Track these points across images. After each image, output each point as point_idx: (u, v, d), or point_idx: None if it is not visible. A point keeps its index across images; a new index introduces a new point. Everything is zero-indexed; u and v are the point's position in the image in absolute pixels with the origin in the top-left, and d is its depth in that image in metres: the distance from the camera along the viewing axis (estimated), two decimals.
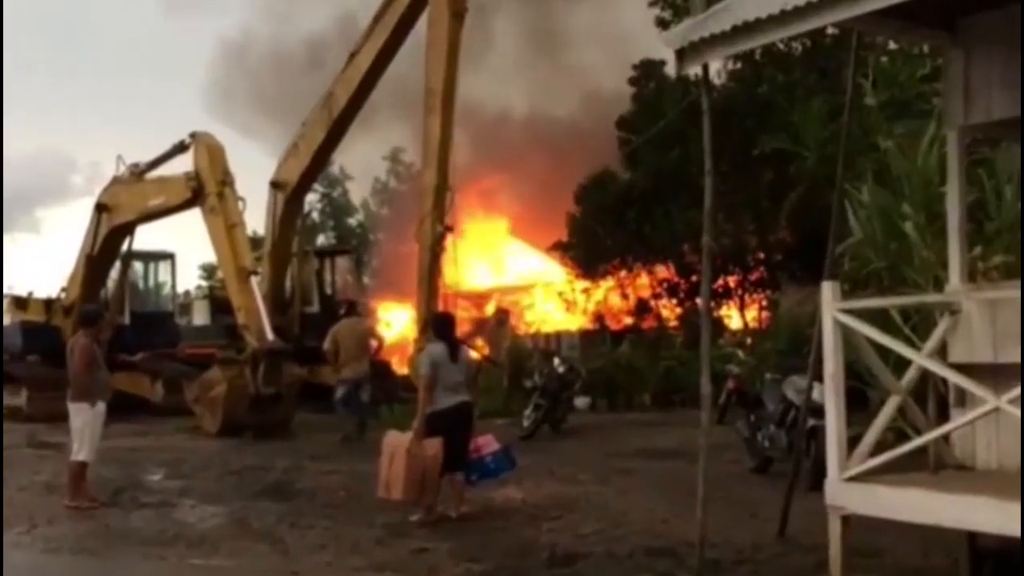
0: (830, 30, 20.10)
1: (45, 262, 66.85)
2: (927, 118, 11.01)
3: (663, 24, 26.10)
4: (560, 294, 31.26)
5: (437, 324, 10.71)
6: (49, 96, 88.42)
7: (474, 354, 22.21)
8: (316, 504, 11.04)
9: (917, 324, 9.32)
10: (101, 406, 11.35)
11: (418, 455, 9.50)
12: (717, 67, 26.28)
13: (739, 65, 26.69)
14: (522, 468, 11.57)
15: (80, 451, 11.16)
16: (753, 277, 27.20)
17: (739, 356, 17.91)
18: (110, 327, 22.39)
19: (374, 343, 17.72)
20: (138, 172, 22.41)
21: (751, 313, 27.15)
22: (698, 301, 23.96)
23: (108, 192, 23.06)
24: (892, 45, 15.49)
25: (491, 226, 41.43)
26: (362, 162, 49.52)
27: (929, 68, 12.81)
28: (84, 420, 11.21)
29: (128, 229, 23.12)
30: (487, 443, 10.60)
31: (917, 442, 6.59)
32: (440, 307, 16.54)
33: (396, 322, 35.66)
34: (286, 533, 9.52)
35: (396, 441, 9.79)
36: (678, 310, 27.64)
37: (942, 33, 7.14)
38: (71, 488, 11.21)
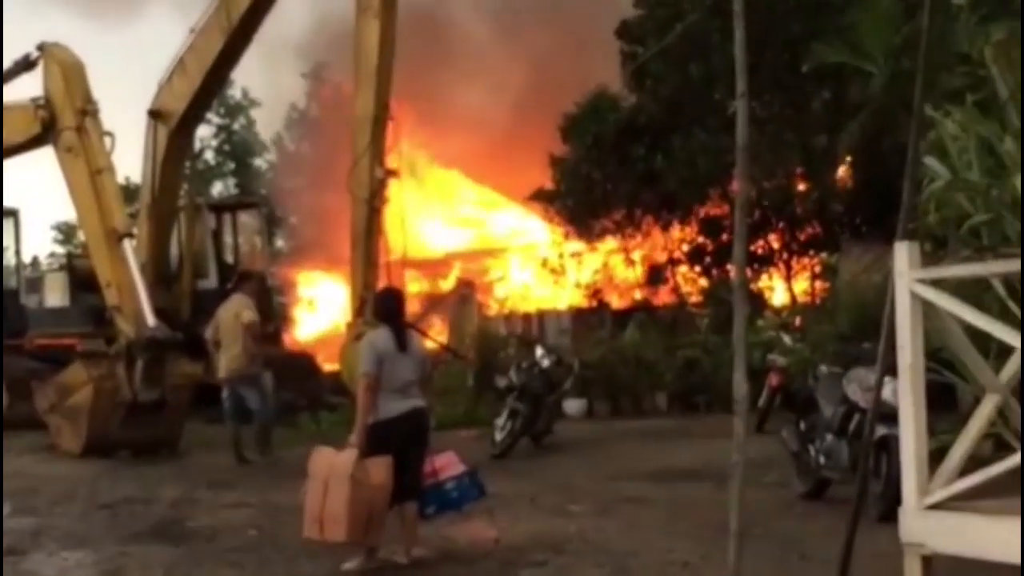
0: None
1: None
2: None
3: None
4: (544, 261, 31.16)
5: (380, 303, 10.72)
6: None
7: (429, 343, 22.42)
8: (217, 548, 11.05)
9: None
10: None
11: (364, 482, 9.51)
12: None
13: None
14: (494, 496, 11.61)
15: None
16: (803, 235, 27.26)
17: (785, 342, 18.10)
18: None
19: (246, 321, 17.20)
20: None
21: (801, 284, 27.25)
22: (730, 268, 24.14)
23: None
24: None
25: (449, 170, 41.34)
26: (273, 83, 49.25)
27: None
28: None
29: None
30: (448, 464, 10.62)
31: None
32: (383, 280, 16.54)
33: (323, 300, 35.63)
34: None
35: (330, 462, 9.76)
36: (702, 281, 27.67)
37: None
38: None
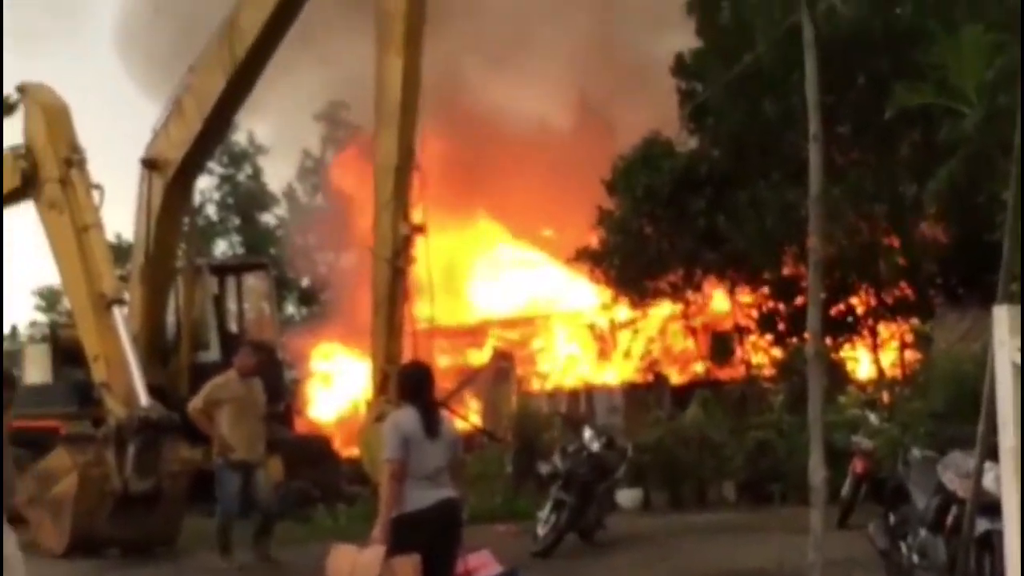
0: None
1: None
2: None
3: None
4: (591, 327, 30.99)
5: (405, 380, 10.71)
6: None
7: (461, 424, 22.46)
8: None
9: None
10: None
11: None
12: None
13: None
14: None
15: None
16: (891, 298, 27.19)
17: (871, 422, 18.00)
18: None
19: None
20: None
21: (889, 354, 27.15)
22: (807, 337, 23.99)
23: None
24: None
25: (482, 225, 41.49)
26: (284, 125, 49.55)
27: None
28: None
29: None
30: (483, 564, 10.64)
31: None
32: (408, 352, 16.59)
33: (340, 375, 35.69)
34: None
35: (353, 561, 9.74)
36: (775, 351, 27.59)
37: None
38: None
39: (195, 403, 16.47)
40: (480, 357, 33.80)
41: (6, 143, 20.58)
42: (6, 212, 21.71)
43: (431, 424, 9.88)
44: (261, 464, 16.70)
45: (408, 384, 10.49)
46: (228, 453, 16.19)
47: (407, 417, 9.93)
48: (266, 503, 16.65)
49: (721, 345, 28.72)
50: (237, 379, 16.59)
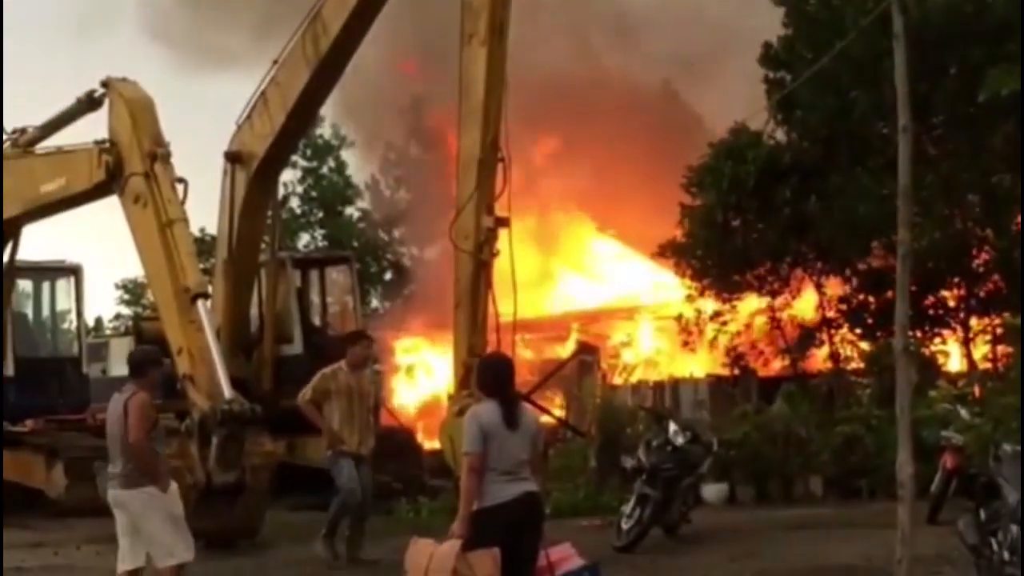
0: None
1: None
2: None
3: None
4: (678, 318, 30.70)
5: (486, 372, 10.68)
6: None
7: (544, 417, 22.45)
8: None
9: None
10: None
11: None
12: None
13: None
14: None
15: (166, 553, 11.97)
16: (983, 291, 26.92)
17: (962, 416, 17.84)
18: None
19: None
20: (24, 142, 22.84)
21: (981, 348, 26.88)
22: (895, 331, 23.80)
23: None
24: None
25: (565, 218, 41.52)
26: (368, 120, 49.73)
27: None
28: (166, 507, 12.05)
29: (11, 229, 23.55)
30: (564, 557, 10.61)
31: None
32: (491, 345, 16.59)
33: (423, 369, 35.85)
34: None
35: (430, 554, 9.71)
36: (864, 345, 27.40)
37: None
38: None
39: (304, 394, 16.42)
40: (564, 351, 33.81)
41: (92, 137, 20.86)
42: (93, 207, 22.07)
43: (511, 416, 9.83)
44: (369, 458, 16.60)
45: (488, 376, 10.46)
46: (338, 445, 16.13)
47: (487, 410, 9.90)
48: (368, 500, 16.58)
49: (809, 338, 28.54)
50: (347, 370, 16.51)
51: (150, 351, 14.15)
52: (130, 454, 11.99)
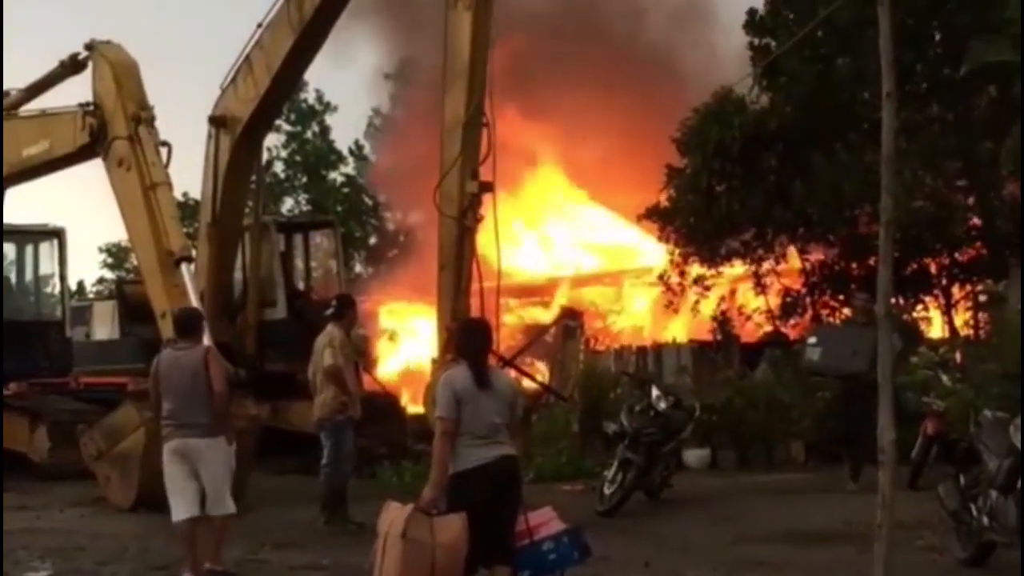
0: None
1: None
2: None
3: None
4: (662, 278, 30.51)
5: (461, 336, 10.72)
6: None
7: (528, 382, 22.48)
8: None
9: None
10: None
11: (420, 541, 9.39)
12: None
13: None
14: (601, 559, 11.64)
15: (220, 502, 12.88)
16: (965, 258, 27.00)
17: (943, 383, 17.91)
18: None
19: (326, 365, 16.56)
20: (8, 105, 22.80)
21: (962, 315, 26.99)
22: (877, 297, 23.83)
23: None
24: None
25: (553, 182, 41.52)
26: (351, 83, 49.72)
27: None
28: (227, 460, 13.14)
29: None
30: (545, 521, 10.62)
31: None
32: (474, 309, 16.60)
33: (406, 333, 35.87)
34: None
35: (392, 518, 9.68)
36: (847, 311, 27.43)
37: None
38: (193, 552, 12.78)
39: (336, 361, 16.18)
40: (547, 316, 33.82)
41: (76, 100, 20.83)
42: (72, 170, 22.05)
43: (482, 378, 9.81)
44: None
45: (463, 339, 10.51)
46: (347, 411, 16.22)
47: (459, 374, 9.87)
48: (353, 464, 16.78)
49: (792, 304, 28.61)
50: (342, 335, 16.56)
51: (196, 311, 15.24)
52: (212, 405, 12.76)
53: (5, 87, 22.74)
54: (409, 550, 9.32)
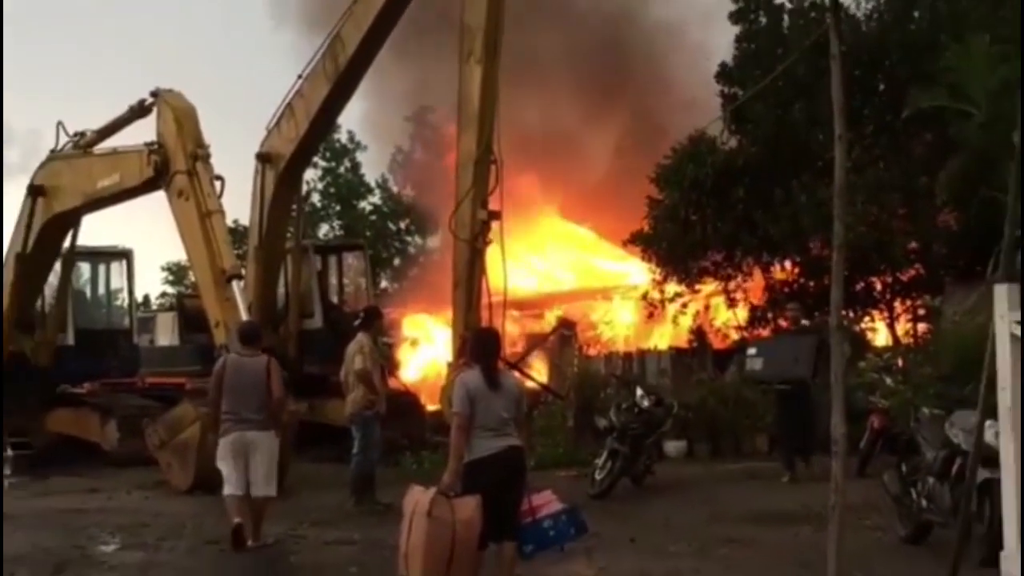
0: None
1: None
2: None
3: None
4: (644, 296, 30.57)
5: (474, 343, 10.73)
6: None
7: (529, 383, 22.37)
8: None
9: None
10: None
11: (442, 519, 9.44)
12: None
13: None
14: (593, 536, 11.58)
15: (268, 484, 13.42)
16: (906, 276, 26.92)
17: (887, 384, 17.84)
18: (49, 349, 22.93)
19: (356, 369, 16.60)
20: (84, 144, 22.82)
21: (903, 326, 26.89)
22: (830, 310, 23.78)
23: (46, 170, 23.55)
24: None
25: (550, 215, 41.45)
26: (379, 125, 49.68)
27: None
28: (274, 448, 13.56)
29: (71, 219, 23.54)
30: (545, 502, 10.58)
31: None
32: (484, 319, 16.57)
33: (426, 341, 35.79)
34: None
35: (417, 500, 9.76)
36: (805, 322, 27.30)
37: None
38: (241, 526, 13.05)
39: (365, 365, 16.26)
40: (546, 326, 33.76)
41: (143, 139, 20.90)
42: (142, 200, 22.06)
43: (492, 380, 9.88)
44: None
45: (476, 346, 10.52)
46: (375, 407, 16.29)
47: (472, 376, 9.94)
48: (379, 453, 16.80)
49: (757, 316, 28.51)
50: (370, 342, 16.67)
51: (256, 325, 15.61)
52: (271, 406, 13.32)
53: (82, 128, 22.85)
54: (433, 527, 9.37)
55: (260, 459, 13.25)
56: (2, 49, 21.74)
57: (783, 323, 26.98)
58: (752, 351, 19.65)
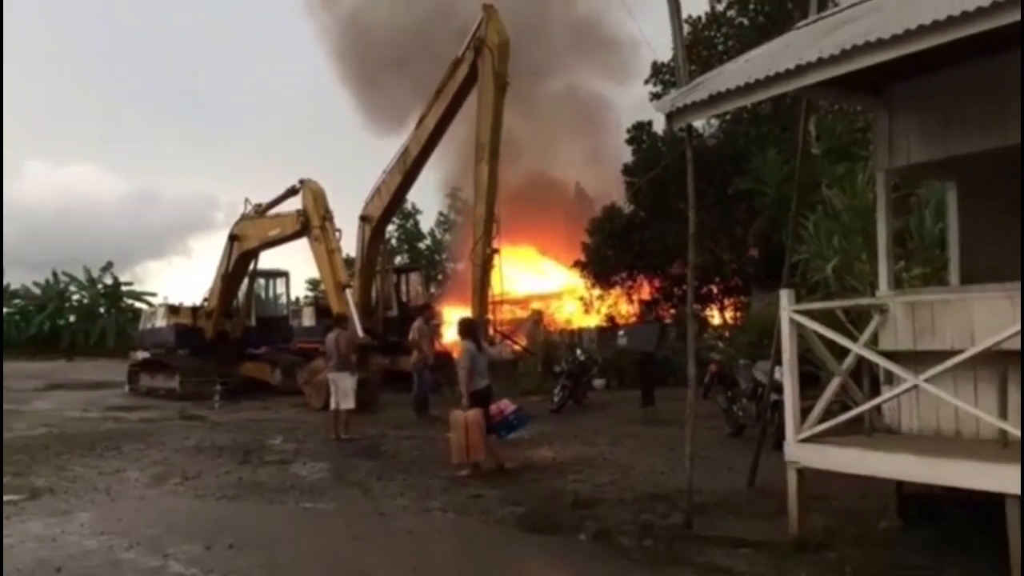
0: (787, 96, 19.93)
1: (194, 280, 68.12)
2: (861, 161, 10.95)
3: (656, 96, 26.14)
4: (580, 298, 30.86)
5: (467, 326, 10.81)
6: (199, 148, 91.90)
7: (515, 347, 22.33)
8: (396, 462, 11.13)
9: (855, 320, 9.28)
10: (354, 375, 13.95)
11: (463, 424, 9.81)
12: (701, 124, 26.23)
13: (724, 120, 26.56)
14: (552, 433, 11.66)
15: (346, 402, 13.51)
16: (730, 285, 26.97)
17: (719, 346, 17.86)
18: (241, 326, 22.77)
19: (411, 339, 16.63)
20: (260, 210, 22.80)
21: (729, 313, 26.90)
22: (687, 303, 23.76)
23: (238, 226, 23.47)
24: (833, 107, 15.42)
25: (528, 250, 41.35)
26: (429, 199, 49.70)
27: (862, 123, 12.73)
28: (349, 383, 13.67)
29: (253, 254, 23.53)
30: (506, 406, 10.91)
31: (855, 411, 6.59)
32: (489, 311, 16.58)
33: (455, 324, 35.61)
34: (374, 484, 9.62)
35: (456, 414, 9.99)
36: (672, 311, 27.40)
37: (870, 97, 7.17)
38: (336, 428, 13.33)
39: (419, 336, 16.37)
40: (524, 315, 33.73)
41: (294, 207, 20.91)
42: (289, 247, 22.02)
43: (480, 347, 10.28)
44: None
45: (467, 328, 10.71)
46: (426, 361, 16.35)
47: (471, 345, 10.21)
48: (429, 388, 16.72)
49: (647, 308, 28.40)
50: (425, 324, 16.72)
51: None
52: (343, 354, 13.81)
53: (257, 201, 22.83)
54: (457, 419, 9.84)
55: (343, 387, 13.62)
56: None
57: (663, 314, 27.15)
58: (621, 333, 19.59)
